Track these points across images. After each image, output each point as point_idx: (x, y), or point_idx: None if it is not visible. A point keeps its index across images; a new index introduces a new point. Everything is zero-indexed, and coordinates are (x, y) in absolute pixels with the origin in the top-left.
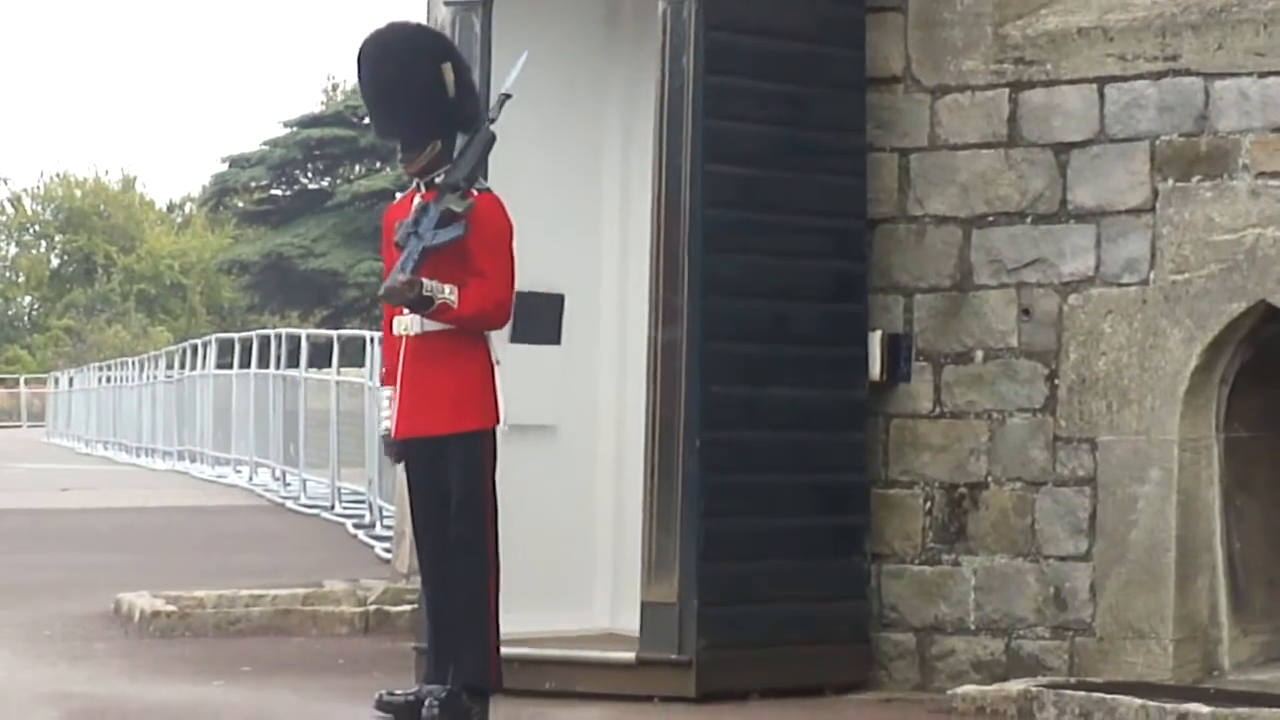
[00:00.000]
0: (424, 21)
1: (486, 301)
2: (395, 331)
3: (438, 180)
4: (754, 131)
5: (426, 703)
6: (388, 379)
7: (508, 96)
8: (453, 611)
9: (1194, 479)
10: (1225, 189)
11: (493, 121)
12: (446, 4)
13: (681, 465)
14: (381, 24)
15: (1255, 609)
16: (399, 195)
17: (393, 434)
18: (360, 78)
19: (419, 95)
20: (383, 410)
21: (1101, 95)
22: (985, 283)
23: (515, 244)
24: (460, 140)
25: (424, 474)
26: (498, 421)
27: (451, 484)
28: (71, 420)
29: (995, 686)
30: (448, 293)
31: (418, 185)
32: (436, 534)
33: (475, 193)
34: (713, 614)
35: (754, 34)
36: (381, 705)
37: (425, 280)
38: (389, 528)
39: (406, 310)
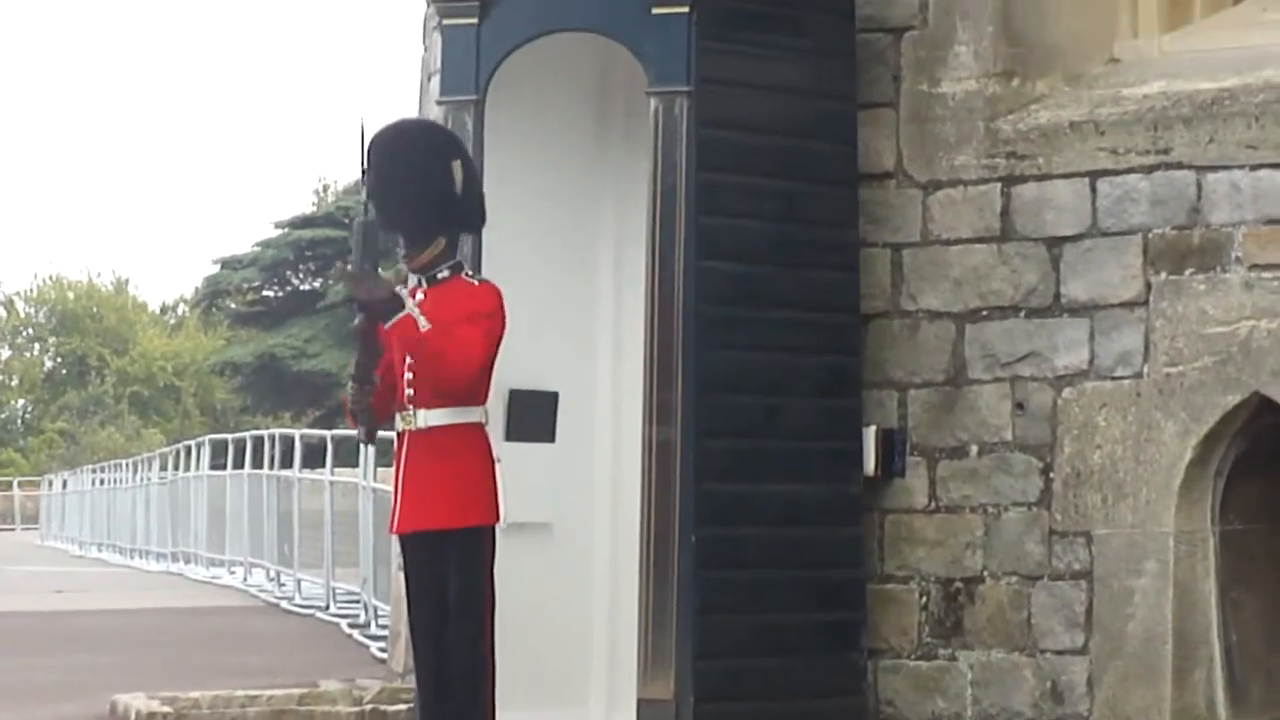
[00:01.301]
0: (419, 113)
1: (461, 351)
2: (397, 427)
3: (440, 276)
4: (747, 227)
5: None
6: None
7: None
8: (448, 709)
9: (1190, 572)
10: (1218, 281)
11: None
12: (439, 102)
13: (677, 562)
14: (390, 121)
15: (1253, 701)
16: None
17: (392, 529)
18: (369, 171)
19: (427, 191)
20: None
21: (1094, 189)
22: (979, 377)
23: (506, 340)
24: (462, 239)
25: (423, 568)
26: (498, 519)
27: (450, 580)
28: (65, 522)
29: None
30: (411, 304)
31: (419, 281)
32: (433, 628)
33: (476, 282)
34: (709, 711)
35: (745, 130)
36: None
37: (401, 290)
38: (384, 627)
39: (409, 403)
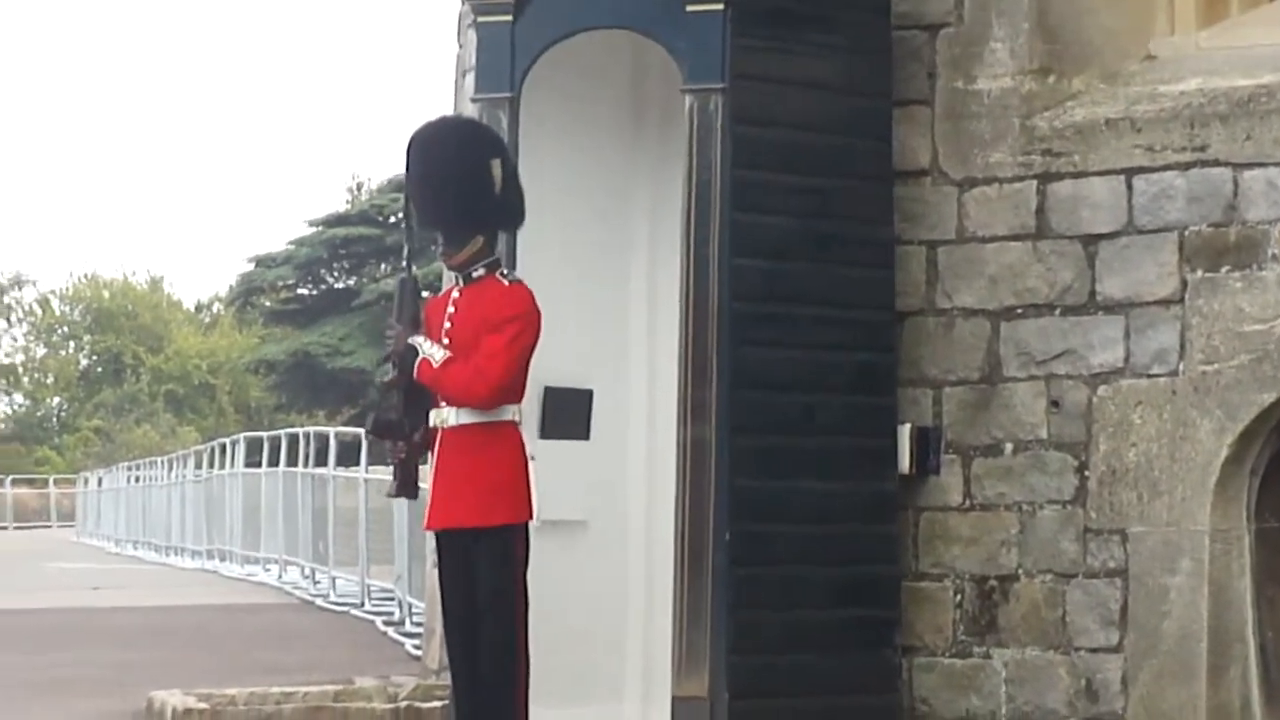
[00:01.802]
0: (454, 110)
1: (476, 377)
2: (431, 423)
3: (476, 274)
4: (781, 224)
5: None
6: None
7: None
8: (482, 707)
9: (1225, 570)
10: (1255, 279)
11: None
12: (474, 100)
13: (711, 559)
14: (430, 119)
15: None
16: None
17: (426, 525)
18: (408, 167)
19: (466, 189)
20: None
21: (1129, 186)
22: (1014, 375)
23: (541, 338)
24: (501, 238)
25: (454, 565)
26: (530, 517)
27: (481, 579)
28: (101, 520)
29: None
30: (427, 346)
31: (457, 277)
32: (467, 628)
33: (508, 282)
34: (744, 708)
35: (780, 127)
36: None
37: (417, 339)
38: (419, 624)
39: (441, 401)
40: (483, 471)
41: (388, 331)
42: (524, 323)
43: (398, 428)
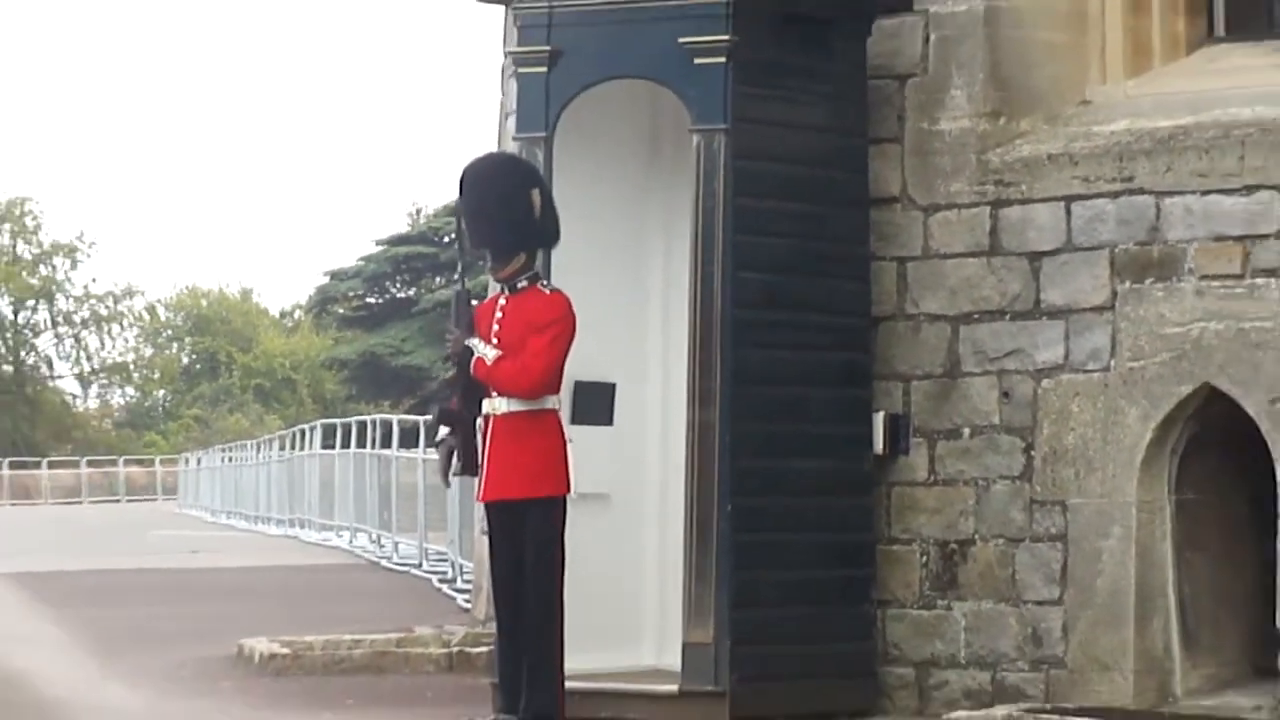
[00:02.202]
0: (497, 148)
1: (522, 372)
2: (484, 411)
3: (520, 285)
4: (775, 244)
5: None
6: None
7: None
8: (524, 652)
9: (1150, 535)
10: (1174, 289)
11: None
12: (515, 138)
13: (716, 527)
14: (478, 155)
15: (1203, 646)
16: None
17: (479, 497)
18: (460, 197)
19: (510, 215)
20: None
21: (1068, 211)
22: (971, 370)
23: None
24: (540, 255)
25: (504, 533)
26: (569, 491)
27: (527, 543)
28: (199, 494)
29: (983, 712)
30: (481, 346)
31: (502, 288)
32: (512, 585)
33: (549, 292)
34: (743, 652)
35: (774, 161)
36: None
37: (473, 340)
38: (468, 582)
39: (493, 393)
40: (529, 452)
41: (447, 335)
42: (563, 325)
43: (460, 419)
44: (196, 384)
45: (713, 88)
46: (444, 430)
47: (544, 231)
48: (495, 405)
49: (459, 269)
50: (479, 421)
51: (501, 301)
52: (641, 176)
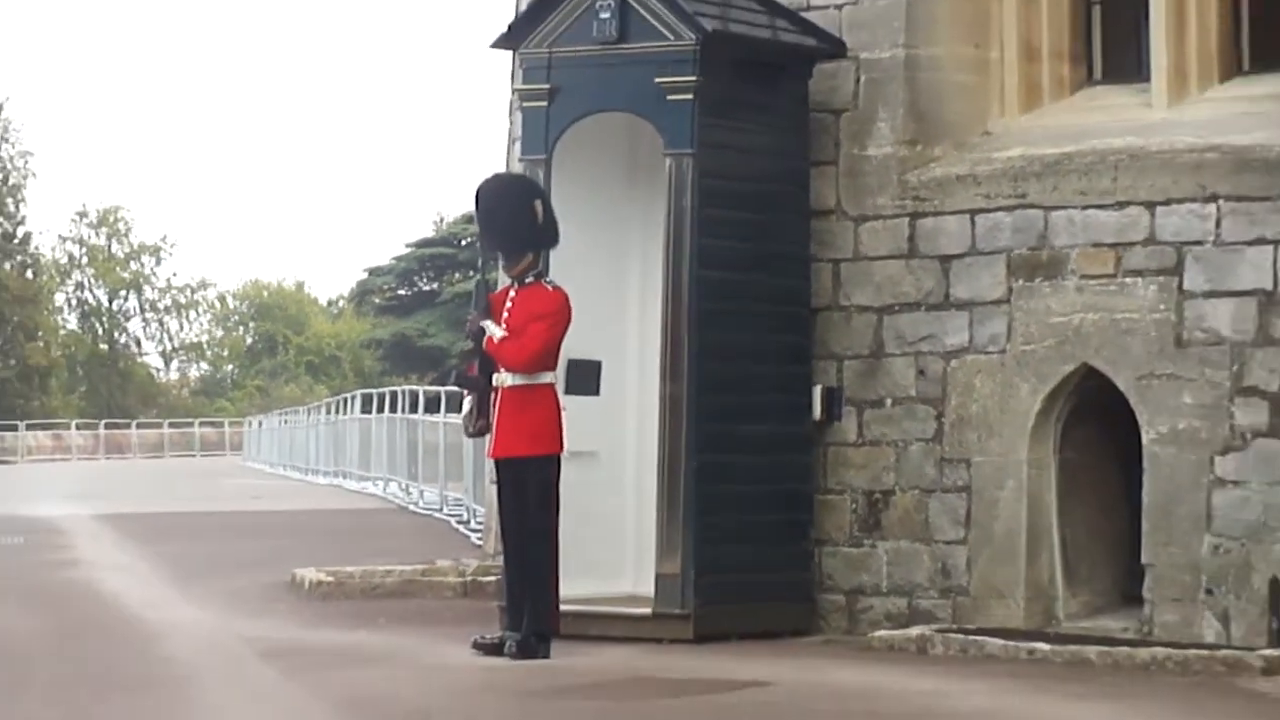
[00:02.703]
0: (505, 167)
1: (521, 350)
2: (494, 383)
3: (527, 281)
4: (733, 247)
5: (508, 643)
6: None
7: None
8: (526, 579)
9: (1038, 487)
10: (1059, 287)
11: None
12: (520, 160)
13: (684, 480)
14: (490, 174)
15: (1081, 578)
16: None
17: (489, 454)
18: (476, 209)
19: (517, 223)
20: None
21: (973, 222)
22: (893, 352)
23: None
24: (553, 254)
25: (511, 484)
26: (563, 449)
27: (529, 491)
28: (260, 450)
29: (901, 631)
30: (492, 327)
31: (513, 282)
32: (517, 526)
33: (550, 287)
34: (706, 582)
35: (733, 179)
36: (476, 645)
37: (486, 322)
38: (480, 524)
39: (501, 369)
40: (530, 418)
41: (468, 318)
42: (559, 316)
43: (474, 382)
44: (258, 360)
45: (682, 119)
46: (467, 397)
47: (545, 236)
48: (502, 379)
49: (480, 265)
50: (491, 393)
51: (511, 293)
52: (624, 192)
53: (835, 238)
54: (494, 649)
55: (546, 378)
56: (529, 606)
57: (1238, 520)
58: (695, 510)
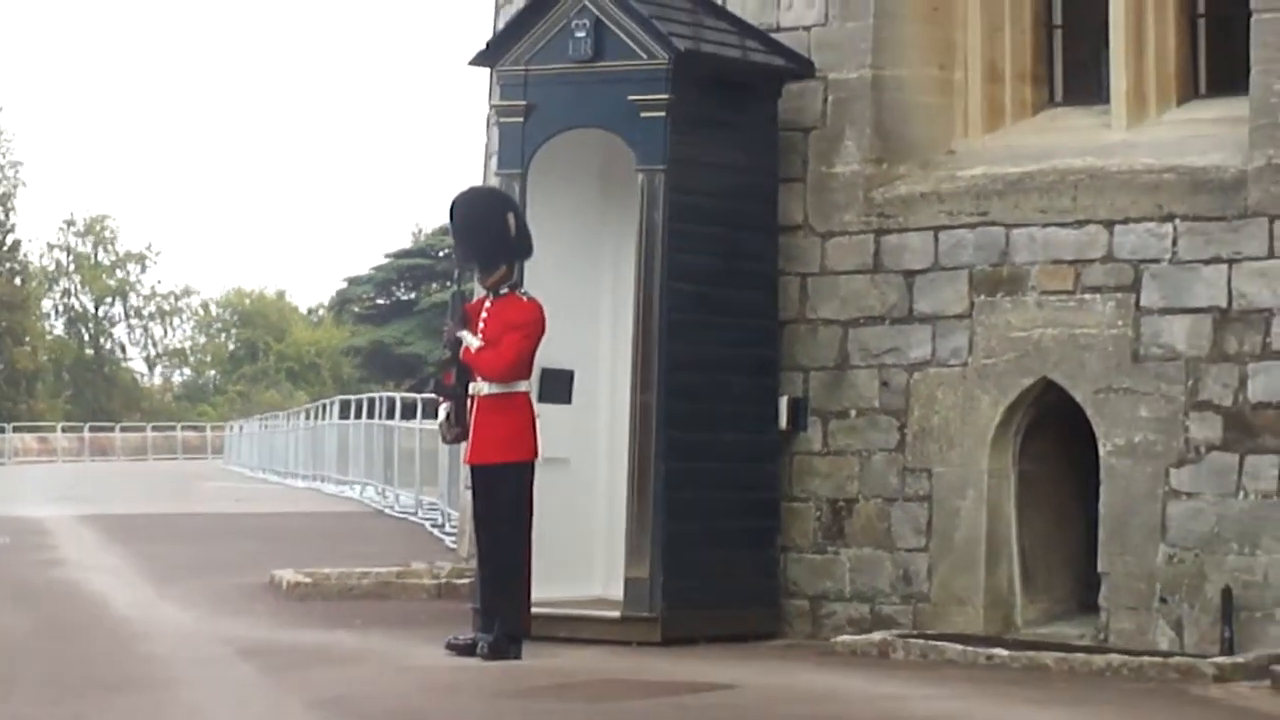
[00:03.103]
0: (482, 181)
1: (497, 360)
2: (470, 392)
3: (502, 292)
4: (703, 261)
5: (479, 644)
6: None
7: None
8: (499, 582)
9: (998, 497)
10: (1019, 302)
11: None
12: (497, 174)
13: (653, 486)
14: (465, 187)
15: (1039, 586)
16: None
17: (465, 460)
18: (451, 221)
19: (492, 235)
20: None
21: (936, 238)
22: (857, 364)
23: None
24: (528, 265)
25: (485, 489)
26: (536, 455)
27: (504, 496)
28: (241, 454)
29: (863, 636)
30: (469, 337)
31: (488, 293)
32: (491, 530)
33: (525, 298)
34: (673, 586)
35: (703, 195)
36: (450, 646)
37: (462, 332)
38: (454, 528)
39: (477, 377)
40: (505, 424)
41: (444, 327)
42: (533, 327)
43: (450, 390)
44: (240, 366)
45: (654, 136)
46: (443, 405)
47: (519, 248)
48: (479, 387)
49: (456, 276)
50: (468, 401)
51: (487, 304)
52: (597, 206)
53: (802, 253)
54: (467, 650)
55: (521, 386)
56: (502, 609)
57: (1191, 531)
58: (664, 516)
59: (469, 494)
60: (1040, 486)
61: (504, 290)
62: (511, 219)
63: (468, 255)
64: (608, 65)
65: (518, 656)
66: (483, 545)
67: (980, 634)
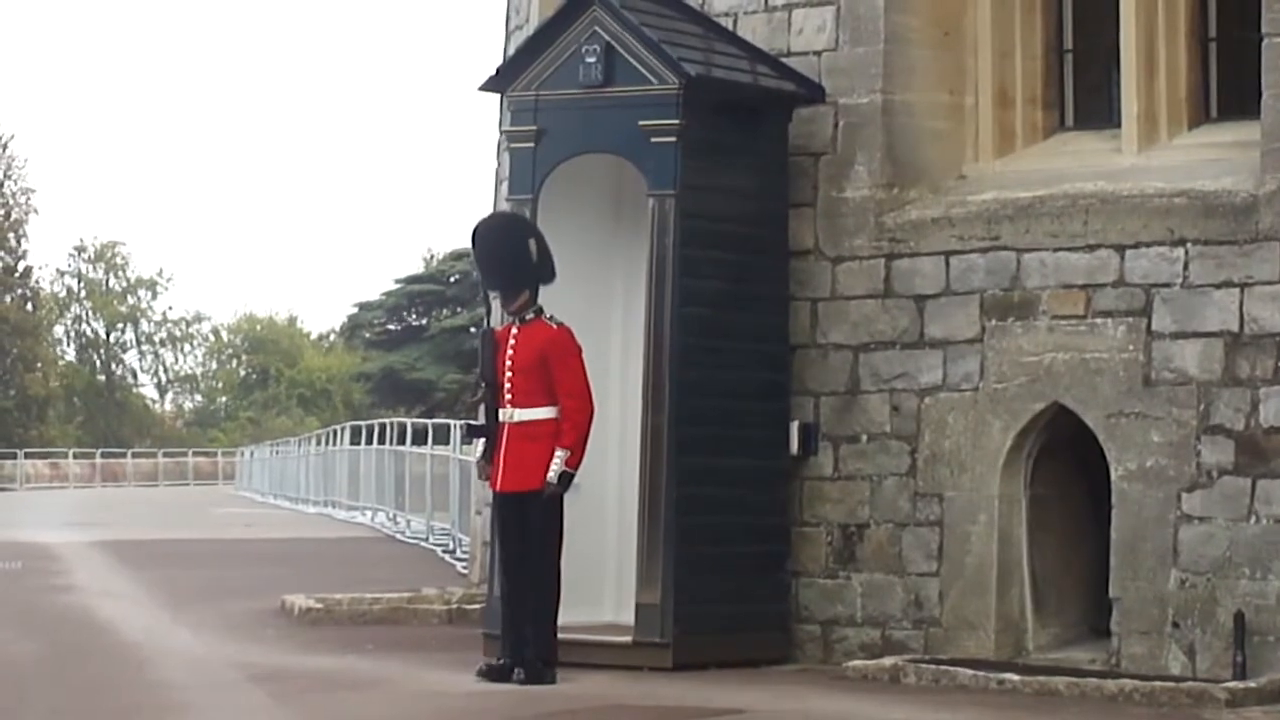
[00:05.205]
0: (492, 207)
1: (579, 416)
2: (500, 420)
3: (528, 318)
4: (713, 286)
5: (515, 671)
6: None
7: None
8: (530, 610)
9: (1009, 522)
10: (1030, 326)
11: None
12: (507, 200)
13: (664, 511)
14: (487, 214)
15: (1050, 610)
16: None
17: (494, 488)
18: (473, 248)
19: (514, 261)
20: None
21: (947, 263)
22: (868, 389)
23: None
24: (541, 290)
25: (514, 516)
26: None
27: (536, 524)
28: (252, 479)
29: (874, 661)
30: (560, 457)
31: (514, 318)
32: (518, 558)
33: (554, 325)
34: (684, 611)
35: (714, 220)
36: (481, 673)
37: (556, 471)
38: (466, 553)
39: (509, 404)
40: (534, 453)
41: (475, 372)
42: (578, 355)
43: (484, 430)
44: (251, 392)
45: (665, 161)
46: (479, 441)
47: (541, 273)
48: (509, 415)
49: (486, 310)
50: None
51: (514, 331)
52: (608, 231)
53: (813, 277)
54: (502, 675)
55: (551, 412)
56: (533, 634)
57: (1203, 556)
58: (675, 541)
59: (480, 520)
60: (1052, 511)
61: (529, 315)
62: (533, 244)
63: (491, 282)
64: (618, 90)
65: (553, 681)
66: (506, 575)
67: (992, 659)
